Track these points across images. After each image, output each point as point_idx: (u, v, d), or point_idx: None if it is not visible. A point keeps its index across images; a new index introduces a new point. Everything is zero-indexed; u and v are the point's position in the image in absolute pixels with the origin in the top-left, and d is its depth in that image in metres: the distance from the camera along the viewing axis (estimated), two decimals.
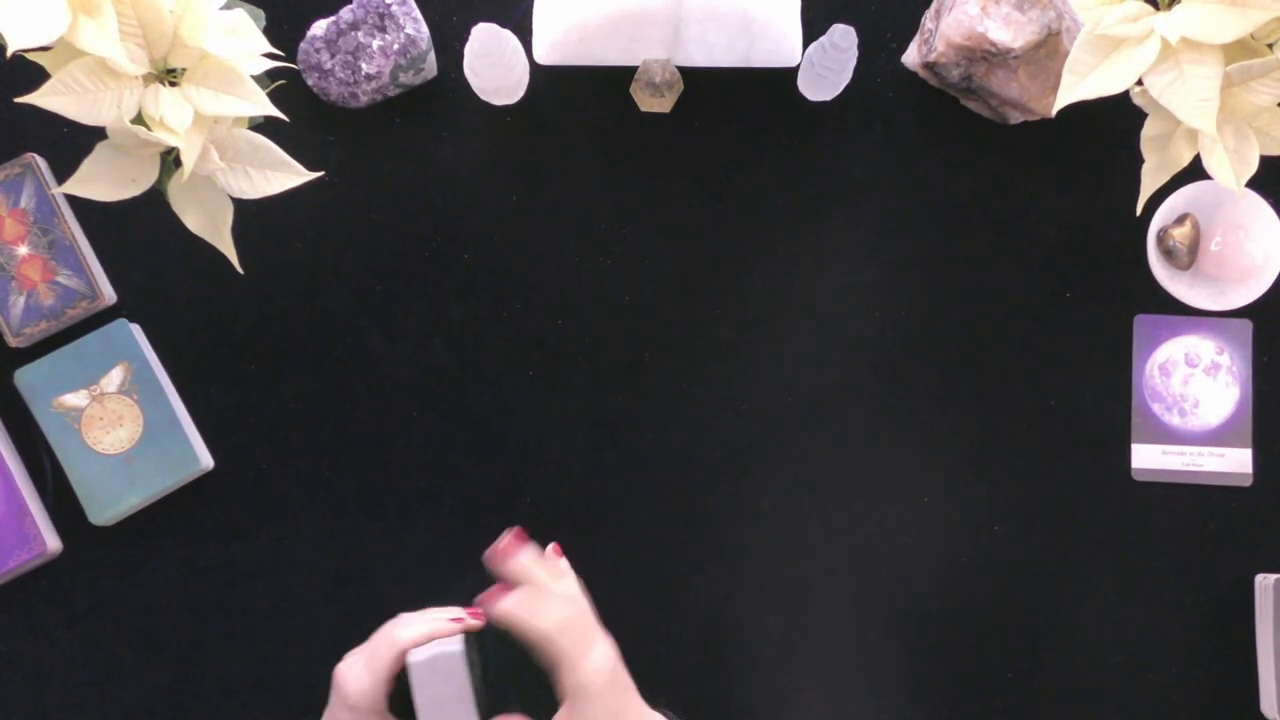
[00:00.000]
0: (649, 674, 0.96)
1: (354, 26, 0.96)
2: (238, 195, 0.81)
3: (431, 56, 0.98)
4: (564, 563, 0.84)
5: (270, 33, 0.83)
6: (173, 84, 0.77)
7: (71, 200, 0.97)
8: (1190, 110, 0.77)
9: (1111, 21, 0.78)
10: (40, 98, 0.73)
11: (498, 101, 1.00)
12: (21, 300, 0.96)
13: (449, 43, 1.01)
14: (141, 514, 0.96)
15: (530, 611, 0.76)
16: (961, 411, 0.99)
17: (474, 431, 0.98)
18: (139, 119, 0.76)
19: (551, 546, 0.85)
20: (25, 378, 0.95)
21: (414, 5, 0.96)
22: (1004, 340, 1.00)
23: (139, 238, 0.98)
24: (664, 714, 0.83)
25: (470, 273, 0.99)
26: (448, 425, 0.98)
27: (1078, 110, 0.83)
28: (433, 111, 1.00)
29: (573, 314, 0.99)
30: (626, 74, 1.00)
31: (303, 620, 0.96)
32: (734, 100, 1.01)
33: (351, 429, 0.98)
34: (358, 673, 0.77)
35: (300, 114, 0.96)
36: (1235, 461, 0.99)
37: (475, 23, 0.91)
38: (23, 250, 0.96)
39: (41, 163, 0.97)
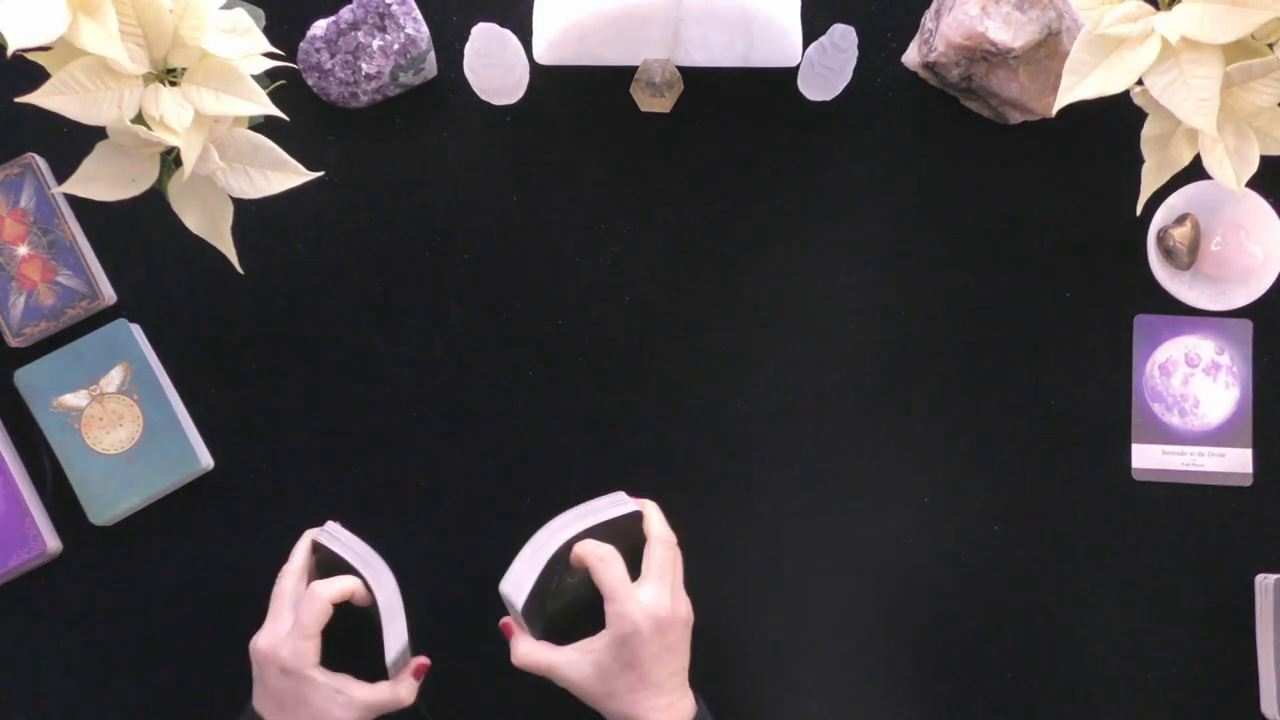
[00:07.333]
0: None
1: (354, 26, 0.96)
2: (238, 195, 0.81)
3: (431, 56, 0.98)
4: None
5: (270, 33, 0.83)
6: (173, 84, 0.77)
7: (71, 200, 0.97)
8: (1190, 110, 0.77)
9: (1111, 21, 0.78)
10: (40, 97, 0.73)
11: (498, 101, 1.00)
12: (21, 300, 0.96)
13: (449, 43, 1.01)
14: (141, 514, 0.96)
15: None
16: (961, 411, 0.99)
17: (474, 431, 0.98)
18: (139, 119, 0.76)
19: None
20: (25, 378, 0.95)
21: (414, 5, 0.96)
22: (1004, 340, 1.00)
23: (139, 238, 0.98)
24: (698, 698, 0.86)
25: (470, 273, 0.99)
26: (448, 425, 0.98)
27: (1078, 110, 0.83)
28: (433, 111, 1.00)
29: (573, 314, 0.99)
30: (626, 74, 1.00)
31: None
32: (734, 100, 1.01)
33: (351, 429, 0.98)
34: (290, 641, 0.83)
35: (300, 114, 0.96)
36: (1235, 461, 0.99)
37: (475, 23, 0.91)
38: (23, 250, 0.96)
39: (41, 163, 0.97)
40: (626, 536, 0.88)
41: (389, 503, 0.97)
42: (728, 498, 0.98)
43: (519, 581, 0.86)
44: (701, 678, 0.88)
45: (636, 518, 0.89)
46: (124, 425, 0.95)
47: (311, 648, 0.83)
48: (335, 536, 0.91)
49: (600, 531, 0.88)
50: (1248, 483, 0.99)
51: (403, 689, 0.87)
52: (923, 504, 0.99)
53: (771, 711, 0.97)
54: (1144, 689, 0.97)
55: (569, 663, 0.84)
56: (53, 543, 0.95)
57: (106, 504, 0.94)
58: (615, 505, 0.90)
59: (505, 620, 0.88)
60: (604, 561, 0.84)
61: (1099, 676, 0.97)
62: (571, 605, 0.91)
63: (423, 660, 0.88)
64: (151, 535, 0.96)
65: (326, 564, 0.90)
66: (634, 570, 0.86)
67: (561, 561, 0.88)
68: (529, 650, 0.85)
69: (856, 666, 0.98)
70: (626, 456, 0.99)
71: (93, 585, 0.96)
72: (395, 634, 0.86)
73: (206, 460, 0.96)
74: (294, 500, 0.97)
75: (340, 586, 0.86)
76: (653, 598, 0.83)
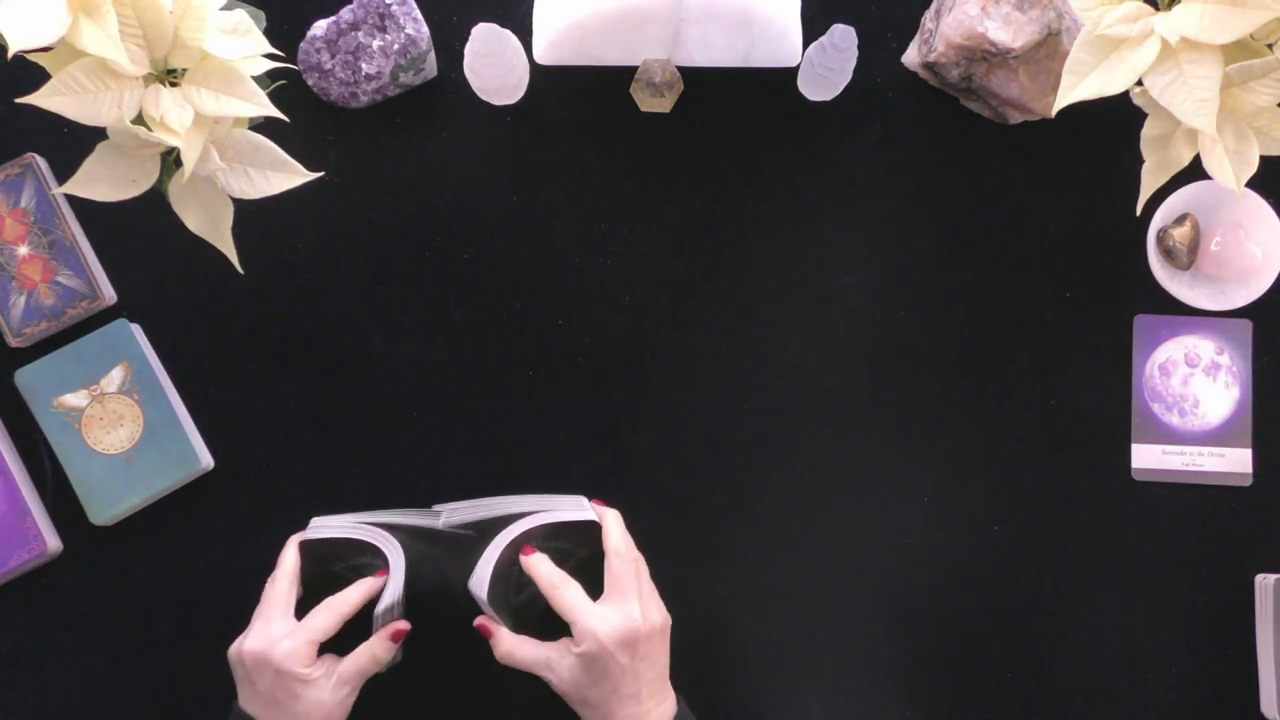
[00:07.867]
0: None
1: (354, 26, 0.96)
2: (238, 195, 0.81)
3: (431, 56, 0.98)
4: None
5: (270, 33, 0.83)
6: (173, 84, 0.77)
7: (72, 200, 0.97)
8: (1190, 110, 0.77)
9: (1111, 21, 0.78)
10: (41, 98, 0.73)
11: (498, 101, 1.00)
12: (21, 300, 0.96)
13: (449, 43, 1.01)
14: (141, 514, 0.96)
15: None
16: (961, 411, 0.99)
17: (474, 431, 0.98)
18: (139, 119, 0.76)
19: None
20: (25, 378, 0.95)
21: (414, 5, 0.96)
22: (1004, 340, 1.00)
23: (139, 238, 0.98)
24: (679, 698, 0.86)
25: (470, 273, 0.99)
26: (448, 425, 0.98)
27: (1078, 110, 0.83)
28: (433, 111, 1.00)
29: (573, 314, 0.99)
30: (626, 74, 1.00)
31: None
32: (734, 100, 1.01)
33: (351, 429, 0.98)
34: (290, 642, 0.83)
35: (300, 114, 0.96)
36: (1235, 461, 0.99)
37: (475, 23, 0.91)
38: (23, 250, 0.96)
39: (42, 163, 0.97)
40: (582, 541, 0.88)
41: (389, 503, 0.97)
42: (727, 498, 0.98)
43: (481, 576, 0.86)
44: (702, 678, 0.88)
45: (596, 527, 0.88)
46: (124, 425, 0.95)
47: (311, 651, 0.84)
48: (324, 525, 0.90)
49: (551, 532, 0.87)
50: (1247, 483, 0.99)
51: (378, 647, 0.86)
52: (923, 504, 0.99)
53: (771, 711, 0.97)
54: (1144, 689, 0.97)
55: (549, 662, 0.84)
56: (53, 543, 0.95)
57: (106, 504, 0.94)
58: (574, 509, 0.89)
59: (480, 621, 0.87)
60: (558, 589, 0.84)
61: (1099, 676, 0.98)
62: (535, 597, 0.90)
63: (402, 624, 0.88)
64: (151, 535, 0.97)
65: (322, 557, 0.90)
66: (596, 579, 0.85)
67: (517, 555, 0.87)
68: (511, 649, 0.86)
69: (856, 666, 0.98)
70: (626, 456, 0.99)
71: (93, 585, 0.96)
72: (393, 587, 0.87)
73: (206, 460, 0.96)
74: (294, 500, 0.97)
75: (354, 600, 0.86)
76: (617, 614, 0.83)
